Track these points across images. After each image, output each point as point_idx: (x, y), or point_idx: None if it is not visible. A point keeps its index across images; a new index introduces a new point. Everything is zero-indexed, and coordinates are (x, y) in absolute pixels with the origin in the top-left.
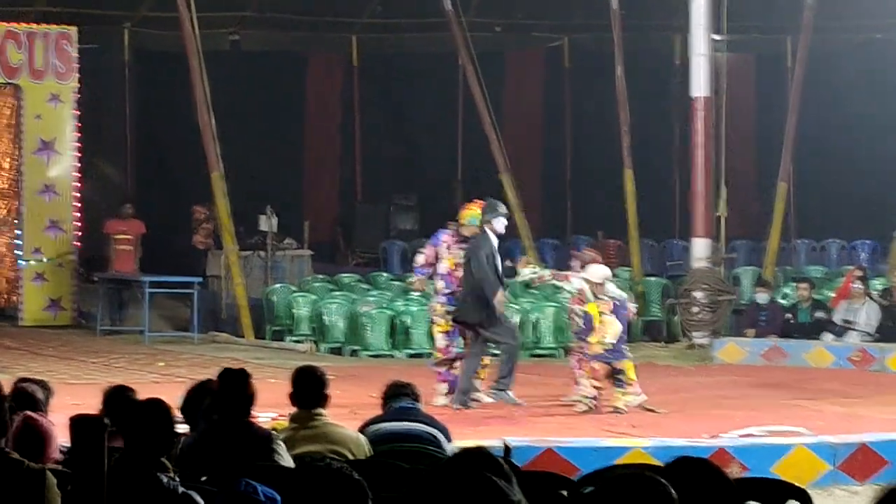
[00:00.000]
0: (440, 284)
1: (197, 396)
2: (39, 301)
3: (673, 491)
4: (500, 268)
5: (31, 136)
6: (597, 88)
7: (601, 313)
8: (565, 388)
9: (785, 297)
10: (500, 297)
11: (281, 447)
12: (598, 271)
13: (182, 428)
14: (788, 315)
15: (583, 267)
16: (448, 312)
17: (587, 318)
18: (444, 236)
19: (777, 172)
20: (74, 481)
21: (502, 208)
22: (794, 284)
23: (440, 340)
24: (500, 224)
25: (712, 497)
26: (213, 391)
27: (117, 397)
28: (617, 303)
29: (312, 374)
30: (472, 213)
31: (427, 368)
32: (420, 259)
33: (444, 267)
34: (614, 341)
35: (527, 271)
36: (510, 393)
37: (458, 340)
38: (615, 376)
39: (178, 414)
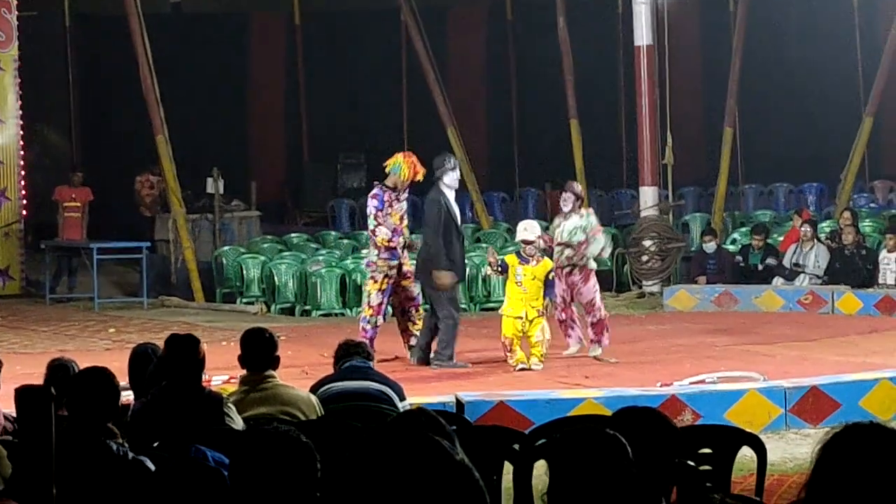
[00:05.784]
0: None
1: (140, 362)
2: None
3: (627, 445)
4: (458, 224)
5: None
6: (540, 40)
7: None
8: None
9: (734, 242)
10: (445, 278)
11: (232, 410)
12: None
13: (126, 395)
14: (739, 258)
15: (577, 199)
16: (391, 268)
17: (503, 267)
18: (386, 196)
19: (723, 118)
20: (23, 451)
21: (451, 162)
22: (749, 233)
23: (374, 297)
24: (451, 178)
25: (658, 445)
26: (156, 356)
27: (59, 372)
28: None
29: (261, 335)
30: (394, 161)
31: (382, 326)
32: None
33: (390, 224)
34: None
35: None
36: (454, 361)
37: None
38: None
39: (122, 381)
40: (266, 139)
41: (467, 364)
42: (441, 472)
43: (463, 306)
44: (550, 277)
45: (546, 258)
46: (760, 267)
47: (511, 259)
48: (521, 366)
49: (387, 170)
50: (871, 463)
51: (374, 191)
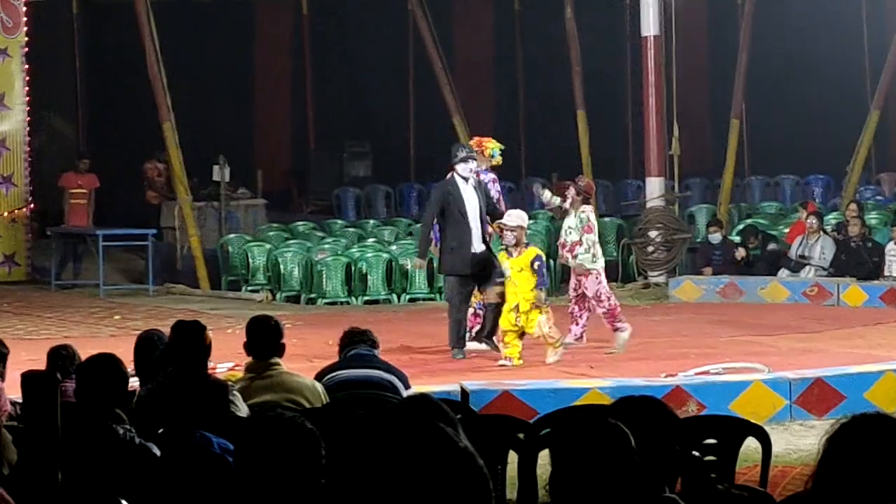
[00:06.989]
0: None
1: (145, 349)
2: None
3: (629, 434)
4: (465, 213)
5: None
6: (547, 30)
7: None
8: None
9: (739, 233)
10: (417, 262)
11: (237, 398)
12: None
13: (132, 381)
14: (739, 248)
15: (578, 194)
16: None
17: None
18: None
19: (730, 109)
20: (28, 437)
21: (464, 152)
22: (742, 235)
23: None
24: (463, 168)
25: (658, 433)
26: (162, 343)
27: (61, 358)
28: None
29: (267, 323)
30: (495, 146)
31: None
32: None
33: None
34: None
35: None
36: (461, 348)
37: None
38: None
39: (129, 367)
40: (272, 127)
41: (463, 355)
42: (444, 458)
43: None
44: (536, 266)
45: (531, 247)
46: (763, 253)
47: (502, 256)
48: (503, 362)
49: (486, 153)
50: (879, 453)
51: (492, 175)
